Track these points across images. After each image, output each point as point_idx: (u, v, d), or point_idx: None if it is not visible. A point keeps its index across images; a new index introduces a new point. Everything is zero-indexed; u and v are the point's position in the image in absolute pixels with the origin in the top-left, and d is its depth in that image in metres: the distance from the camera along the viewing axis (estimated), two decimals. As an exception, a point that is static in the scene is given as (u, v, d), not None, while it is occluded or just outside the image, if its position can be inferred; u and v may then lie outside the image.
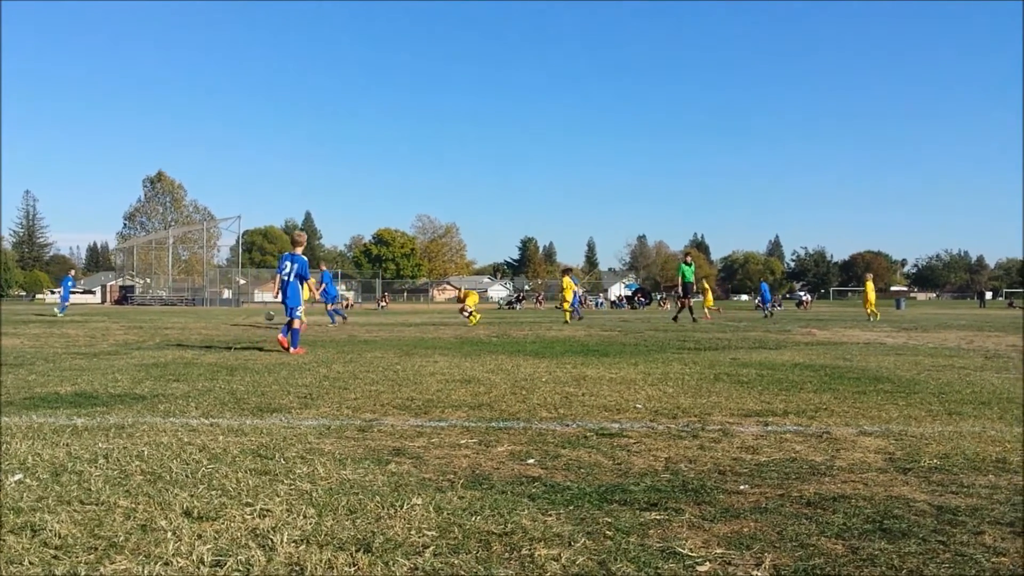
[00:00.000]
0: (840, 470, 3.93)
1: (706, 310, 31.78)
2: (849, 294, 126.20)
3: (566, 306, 25.19)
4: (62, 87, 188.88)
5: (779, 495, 3.43)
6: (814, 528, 2.97)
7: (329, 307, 22.36)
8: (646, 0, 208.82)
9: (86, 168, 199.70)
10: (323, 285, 21.62)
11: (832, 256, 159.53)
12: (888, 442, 4.64)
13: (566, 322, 23.26)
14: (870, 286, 27.96)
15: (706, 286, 37.41)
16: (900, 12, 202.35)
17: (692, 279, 23.97)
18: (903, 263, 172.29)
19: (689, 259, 24.58)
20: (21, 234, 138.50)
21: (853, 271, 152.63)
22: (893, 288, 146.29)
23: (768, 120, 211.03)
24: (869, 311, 27.17)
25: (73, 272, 35.77)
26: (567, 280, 25.98)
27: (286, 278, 11.84)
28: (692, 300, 24.19)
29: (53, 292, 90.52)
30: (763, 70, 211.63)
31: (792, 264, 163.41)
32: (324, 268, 26.08)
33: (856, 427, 5.14)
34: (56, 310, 29.82)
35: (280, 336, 11.47)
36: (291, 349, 11.19)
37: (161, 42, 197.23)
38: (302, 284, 12.03)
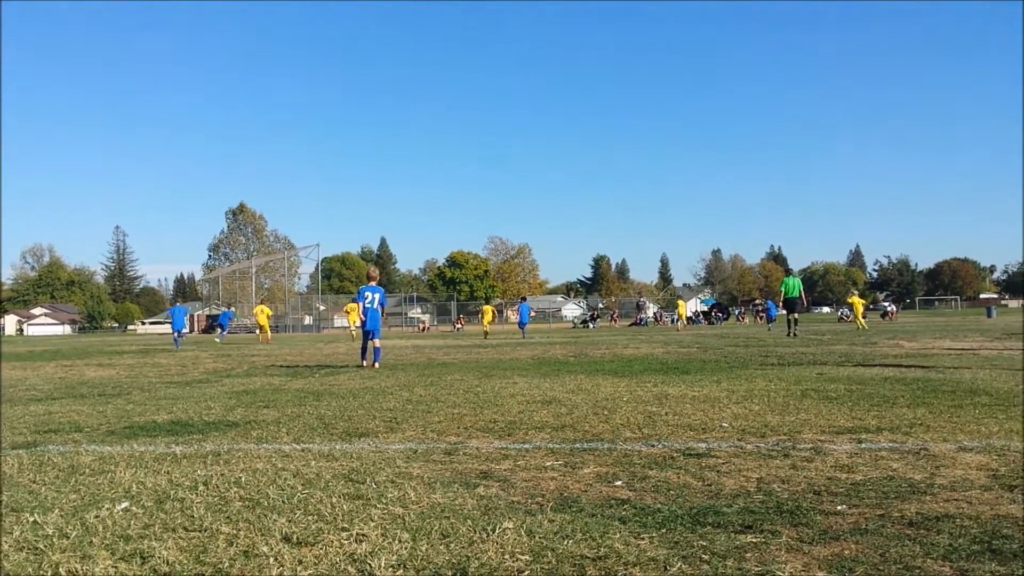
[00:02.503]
0: (941, 488, 3.80)
1: (679, 323, 40.27)
2: (936, 303, 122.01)
3: (486, 328, 35.67)
4: (146, 125, 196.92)
5: (879, 515, 3.34)
6: (919, 550, 2.88)
7: (175, 335, 29.57)
8: (730, 1, 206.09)
9: (172, 202, 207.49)
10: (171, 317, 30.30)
11: (917, 264, 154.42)
12: (990, 458, 4.46)
13: (485, 334, 32.56)
14: (856, 300, 31.67)
15: (680, 301, 43.56)
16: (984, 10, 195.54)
17: (797, 293, 23.95)
18: (992, 269, 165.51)
19: (792, 272, 25.28)
20: (112, 268, 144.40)
21: (940, 279, 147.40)
22: (983, 296, 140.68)
23: (842, 124, 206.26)
24: (858, 325, 30.08)
25: (234, 308, 39.05)
26: (487, 307, 38.03)
27: (368, 306, 13.75)
28: (796, 314, 24.29)
29: (144, 323, 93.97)
30: (836, 72, 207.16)
31: (875, 274, 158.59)
32: (178, 303, 33.15)
33: (955, 443, 4.96)
34: (216, 339, 34.22)
35: (366, 361, 13.50)
36: (375, 364, 13.30)
37: (236, 78, 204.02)
38: (381, 310, 13.99)
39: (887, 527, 3.16)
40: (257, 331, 31.80)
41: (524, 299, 38.78)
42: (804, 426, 5.76)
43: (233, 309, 39.31)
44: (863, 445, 4.96)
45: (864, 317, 31.61)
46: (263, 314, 32.00)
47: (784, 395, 7.69)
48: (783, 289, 24.64)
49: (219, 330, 37.59)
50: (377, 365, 13.31)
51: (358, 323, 31.25)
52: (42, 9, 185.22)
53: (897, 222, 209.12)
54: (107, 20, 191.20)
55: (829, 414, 6.33)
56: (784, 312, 25.44)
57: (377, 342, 13.62)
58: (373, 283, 14.06)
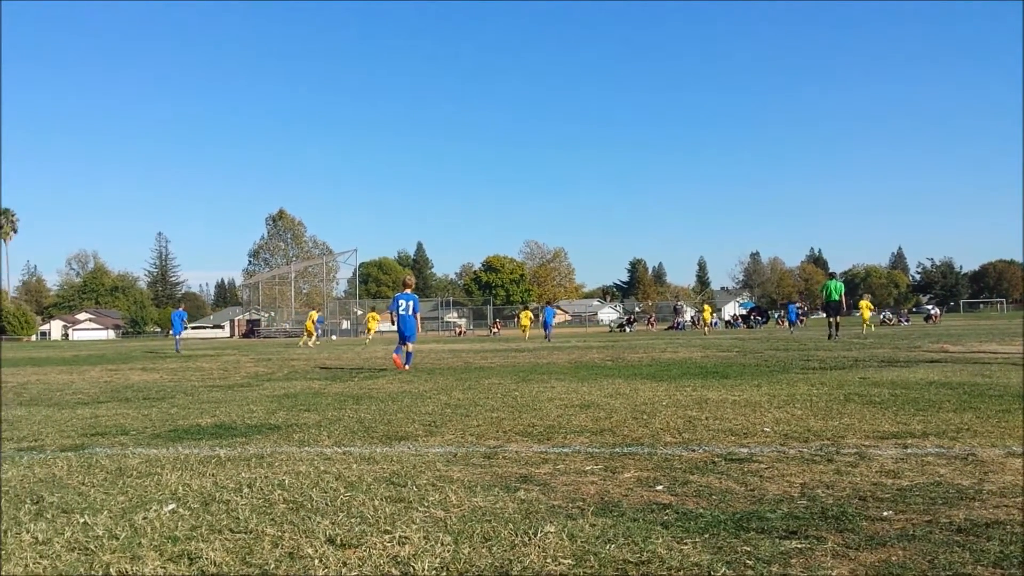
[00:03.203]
0: (990, 494, 3.73)
1: (705, 328, 44.13)
2: (981, 306, 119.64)
3: (525, 333, 39.77)
4: (188, 132, 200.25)
5: (926, 521, 3.28)
6: (968, 556, 2.83)
7: (177, 338, 31.49)
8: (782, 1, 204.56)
9: (213, 209, 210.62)
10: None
11: (961, 267, 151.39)
12: (1041, 464, 4.37)
13: (524, 340, 34.35)
14: (865, 304, 34.05)
15: (706, 305, 48.29)
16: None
17: (838, 297, 23.89)
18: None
19: (835, 275, 25.64)
20: (155, 274, 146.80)
21: (985, 281, 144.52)
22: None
23: (884, 124, 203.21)
24: (864, 327, 32.84)
25: (322, 313, 41.57)
26: (526, 312, 42.43)
27: (403, 313, 14.44)
28: (837, 317, 24.27)
29: (186, 328, 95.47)
30: (878, 71, 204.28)
31: (918, 276, 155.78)
32: (180, 308, 34.31)
33: (1003, 448, 4.87)
34: (317, 341, 36.06)
35: (395, 356, 14.08)
36: (406, 366, 13.96)
37: (276, 86, 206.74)
38: (415, 316, 14.61)
39: (935, 533, 3.11)
40: (304, 335, 33.66)
41: (548, 303, 41.45)
42: (848, 431, 5.68)
43: (322, 314, 41.25)
44: (909, 450, 4.88)
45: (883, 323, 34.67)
46: (310, 319, 33.92)
47: (826, 399, 7.59)
48: (824, 292, 24.60)
49: (318, 331, 41.61)
50: (408, 367, 14.04)
51: (376, 330, 35.10)
52: (80, 12, 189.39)
53: (940, 223, 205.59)
54: (146, 26, 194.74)
55: (873, 419, 6.24)
56: (824, 315, 25.57)
57: (410, 347, 14.39)
58: (408, 291, 14.85)
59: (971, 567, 2.72)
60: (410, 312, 14.46)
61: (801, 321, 53.04)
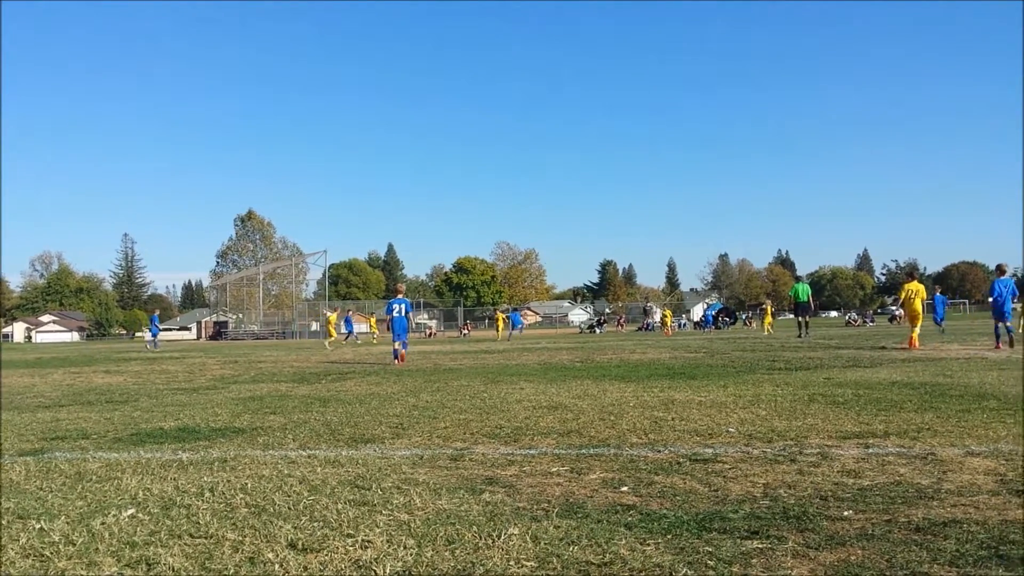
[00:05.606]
0: (948, 493, 3.78)
1: (664, 329, 46.09)
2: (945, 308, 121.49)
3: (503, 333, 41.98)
4: (155, 132, 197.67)
5: (885, 521, 3.32)
6: (925, 555, 2.86)
7: (149, 339, 37.00)
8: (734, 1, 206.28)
9: (181, 209, 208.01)
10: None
11: (925, 268, 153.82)
12: (998, 463, 4.45)
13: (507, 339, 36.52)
14: (768, 308, 38.35)
15: (667, 310, 52.29)
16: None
17: (806, 298, 25.41)
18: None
19: (802, 278, 27.03)
20: (121, 275, 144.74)
21: (948, 283, 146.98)
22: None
23: (850, 127, 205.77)
24: (767, 330, 34.88)
25: (351, 312, 44.99)
26: (500, 315, 44.63)
27: (396, 315, 16.62)
28: (806, 317, 25.76)
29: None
30: (844, 74, 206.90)
31: (883, 278, 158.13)
32: (154, 313, 41.00)
33: (963, 448, 4.94)
34: (358, 340, 38.78)
35: (397, 359, 16.32)
36: (403, 355, 16.68)
37: (244, 85, 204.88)
38: (407, 318, 16.89)
39: (894, 532, 3.15)
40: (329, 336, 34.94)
41: (515, 309, 45.33)
42: (811, 431, 5.74)
43: (350, 312, 42.64)
44: (870, 450, 4.95)
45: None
46: (331, 320, 35.58)
47: (791, 400, 7.66)
48: (793, 295, 25.96)
49: (349, 335, 43.78)
50: (405, 353, 16.78)
51: (378, 330, 37.76)
52: (46, 12, 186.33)
53: (905, 226, 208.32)
54: (113, 25, 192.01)
55: (836, 419, 6.31)
56: (792, 316, 27.04)
57: (404, 341, 16.82)
58: (400, 296, 17.26)
59: (928, 566, 2.75)
60: (403, 314, 16.75)
61: (720, 324, 54.81)
